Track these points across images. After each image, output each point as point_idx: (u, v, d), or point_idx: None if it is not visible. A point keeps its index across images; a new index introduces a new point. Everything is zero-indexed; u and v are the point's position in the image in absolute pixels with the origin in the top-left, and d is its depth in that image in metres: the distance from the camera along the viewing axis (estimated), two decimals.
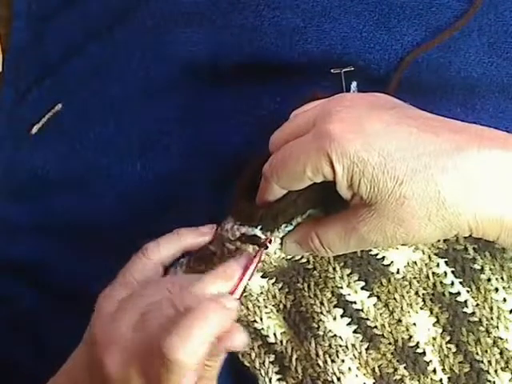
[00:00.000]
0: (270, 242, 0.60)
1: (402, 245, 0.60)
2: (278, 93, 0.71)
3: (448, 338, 0.60)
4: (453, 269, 0.61)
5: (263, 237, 0.60)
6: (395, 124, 0.54)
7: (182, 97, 0.74)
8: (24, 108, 0.78)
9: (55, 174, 0.76)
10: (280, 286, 0.62)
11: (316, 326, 0.61)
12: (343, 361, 0.60)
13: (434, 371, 0.60)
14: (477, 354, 0.60)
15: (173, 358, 0.52)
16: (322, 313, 0.61)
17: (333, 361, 0.60)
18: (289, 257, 0.62)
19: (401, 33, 0.70)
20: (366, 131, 0.53)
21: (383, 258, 0.61)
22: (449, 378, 0.60)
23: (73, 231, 0.75)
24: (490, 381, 0.59)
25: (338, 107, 0.55)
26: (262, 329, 0.62)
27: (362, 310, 0.61)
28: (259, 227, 0.60)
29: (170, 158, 0.73)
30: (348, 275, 0.61)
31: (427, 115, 0.56)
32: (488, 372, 0.60)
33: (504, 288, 0.60)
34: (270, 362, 0.63)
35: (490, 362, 0.60)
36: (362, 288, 0.61)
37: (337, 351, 0.60)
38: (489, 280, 0.60)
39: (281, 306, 0.62)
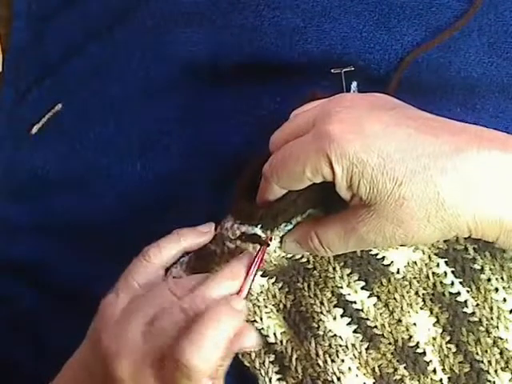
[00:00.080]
0: (271, 240, 0.60)
1: (402, 245, 0.60)
2: (278, 93, 0.71)
3: (448, 338, 0.60)
4: (453, 269, 0.61)
5: (263, 235, 0.60)
6: (394, 125, 0.53)
7: (182, 97, 0.74)
8: (24, 108, 0.78)
9: (55, 174, 0.76)
10: (280, 285, 0.62)
11: (316, 325, 0.61)
12: (343, 360, 0.60)
13: (434, 371, 0.60)
14: (477, 354, 0.60)
15: (190, 365, 0.52)
16: (321, 312, 0.61)
17: (333, 360, 0.60)
18: (289, 256, 0.62)
19: (401, 33, 0.70)
20: (366, 132, 0.53)
21: (383, 257, 0.61)
22: (449, 377, 0.60)
23: (73, 231, 0.75)
24: (489, 381, 0.59)
25: (338, 108, 0.55)
26: (262, 329, 0.62)
27: (362, 310, 0.61)
28: (259, 226, 0.61)
29: (170, 158, 0.73)
30: (348, 275, 0.61)
31: (427, 116, 0.56)
32: (488, 372, 0.59)
33: (504, 288, 0.60)
34: (270, 362, 0.62)
35: (490, 362, 0.60)
36: (362, 288, 0.61)
37: (337, 351, 0.60)
38: (489, 280, 0.60)
39: (281, 306, 0.62)
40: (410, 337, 0.61)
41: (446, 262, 0.61)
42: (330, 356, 0.60)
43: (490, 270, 0.60)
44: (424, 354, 0.60)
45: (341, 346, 0.60)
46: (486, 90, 0.68)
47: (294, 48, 0.71)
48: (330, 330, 0.61)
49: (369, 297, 0.61)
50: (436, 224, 0.53)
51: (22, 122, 0.78)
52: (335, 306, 0.61)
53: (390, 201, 0.53)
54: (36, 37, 0.79)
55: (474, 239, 0.57)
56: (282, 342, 0.62)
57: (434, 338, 0.60)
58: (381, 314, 0.61)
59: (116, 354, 0.56)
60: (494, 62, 0.69)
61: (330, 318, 0.61)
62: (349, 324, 0.61)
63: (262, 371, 0.63)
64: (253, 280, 0.58)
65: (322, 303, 0.61)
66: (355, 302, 0.61)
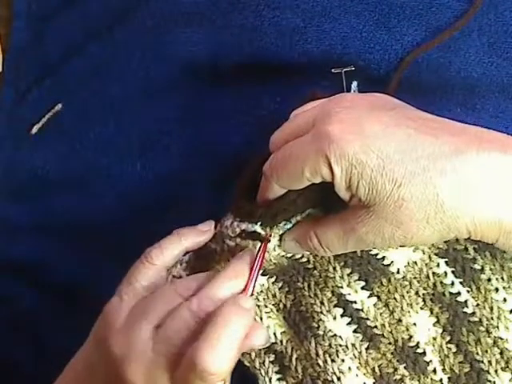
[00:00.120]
0: (271, 236, 0.60)
1: (401, 246, 0.60)
2: (278, 93, 0.71)
3: (448, 338, 0.60)
4: (453, 269, 0.61)
5: (263, 232, 0.60)
6: (394, 126, 0.53)
7: (182, 97, 0.74)
8: (24, 108, 0.78)
9: (55, 174, 0.77)
10: (280, 285, 0.62)
11: (316, 325, 0.61)
12: (343, 360, 0.60)
13: (434, 371, 0.60)
14: (477, 353, 0.60)
15: (207, 368, 0.53)
16: (322, 312, 0.61)
17: (333, 360, 0.60)
18: (289, 255, 0.62)
19: (401, 33, 0.70)
20: (365, 133, 0.53)
21: (383, 257, 0.61)
22: (449, 378, 0.60)
23: (73, 231, 0.75)
24: (490, 381, 0.59)
25: (338, 108, 0.55)
26: None
27: (362, 310, 0.61)
28: (259, 223, 0.61)
29: (170, 158, 0.73)
30: (348, 275, 0.61)
31: (427, 116, 0.56)
32: (488, 372, 0.59)
33: (504, 288, 0.60)
34: (269, 362, 0.62)
35: (490, 362, 0.59)
36: (362, 288, 0.61)
37: (337, 351, 0.60)
38: (489, 280, 0.60)
39: (281, 306, 0.62)
40: (410, 337, 0.60)
41: (446, 261, 0.61)
42: (330, 356, 0.60)
43: (491, 269, 0.60)
44: (424, 353, 0.60)
45: (341, 345, 0.60)
46: (486, 90, 0.68)
47: (294, 48, 0.71)
48: (329, 330, 0.61)
49: (369, 297, 0.61)
50: (435, 225, 0.53)
51: (22, 122, 0.78)
52: (335, 306, 0.61)
53: (389, 202, 0.53)
54: (36, 37, 0.79)
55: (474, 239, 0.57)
56: (281, 341, 0.62)
57: (434, 338, 0.60)
58: (381, 313, 0.61)
59: (126, 358, 0.56)
60: (494, 62, 0.69)
61: (330, 318, 0.61)
62: (349, 324, 0.61)
63: (262, 371, 0.62)
64: (257, 277, 0.59)
65: (322, 303, 0.61)
66: (355, 302, 0.61)
